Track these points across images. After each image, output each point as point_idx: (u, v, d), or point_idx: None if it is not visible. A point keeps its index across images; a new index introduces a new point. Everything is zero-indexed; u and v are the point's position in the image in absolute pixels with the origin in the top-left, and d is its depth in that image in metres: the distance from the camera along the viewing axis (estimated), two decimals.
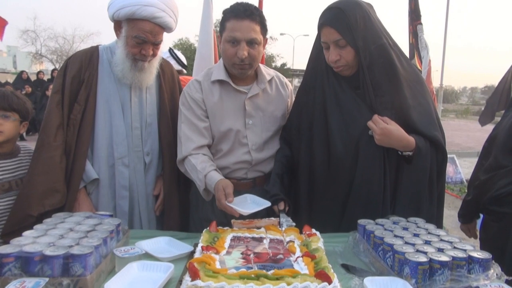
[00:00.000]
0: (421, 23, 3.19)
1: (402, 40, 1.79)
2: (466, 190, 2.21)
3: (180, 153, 1.85)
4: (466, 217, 2.12)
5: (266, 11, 1.91)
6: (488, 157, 1.93)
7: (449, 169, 6.65)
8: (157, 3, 1.78)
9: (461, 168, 6.90)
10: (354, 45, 1.61)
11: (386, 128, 1.61)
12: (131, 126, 1.94)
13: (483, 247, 1.93)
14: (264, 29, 1.83)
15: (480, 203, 1.91)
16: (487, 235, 1.95)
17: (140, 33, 1.80)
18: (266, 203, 1.63)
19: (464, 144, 11.65)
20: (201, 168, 1.74)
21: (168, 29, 1.90)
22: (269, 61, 28.01)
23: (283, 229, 1.57)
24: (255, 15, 1.77)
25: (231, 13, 1.78)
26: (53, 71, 13.83)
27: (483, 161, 2.01)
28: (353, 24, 1.60)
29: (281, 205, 1.70)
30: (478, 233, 2.08)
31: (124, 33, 1.83)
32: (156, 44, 1.87)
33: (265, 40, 1.90)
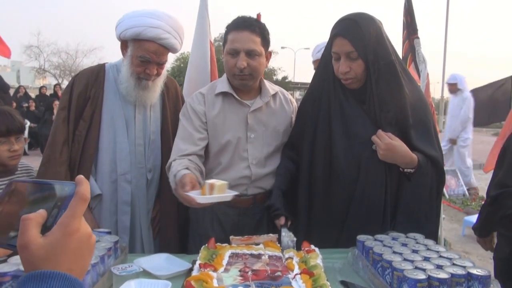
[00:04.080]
0: (418, 37, 3.21)
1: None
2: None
3: (169, 161, 1.83)
4: (482, 231, 2.02)
5: (266, 25, 1.93)
6: (501, 168, 1.88)
7: (451, 182, 6.60)
8: (163, 25, 1.82)
9: (463, 181, 6.86)
10: (365, 59, 1.63)
11: (390, 144, 1.62)
12: (134, 142, 1.96)
13: (497, 268, 1.88)
14: (265, 42, 1.84)
15: (494, 221, 1.86)
16: (500, 256, 1.89)
17: (145, 53, 1.83)
18: (232, 192, 1.55)
19: None
20: (175, 170, 1.69)
21: (173, 50, 1.93)
22: (270, 74, 28.18)
23: (284, 245, 1.56)
24: (254, 26, 1.80)
25: (231, 26, 1.84)
26: (55, 86, 13.96)
27: (497, 171, 1.94)
28: (366, 37, 1.61)
29: (282, 220, 1.69)
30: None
31: (130, 52, 1.87)
32: (160, 64, 1.91)
33: (269, 54, 1.92)
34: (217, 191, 1.49)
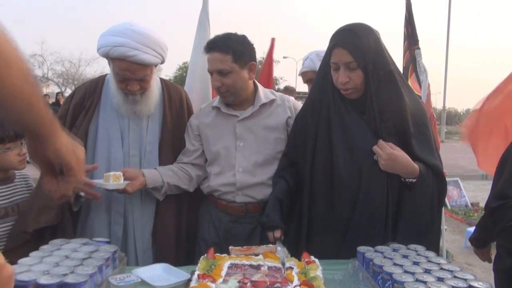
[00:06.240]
0: (419, 48, 3.23)
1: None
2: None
3: None
4: (480, 242, 2.02)
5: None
6: (500, 178, 1.85)
7: (453, 192, 6.57)
8: (127, 42, 1.73)
9: (465, 192, 6.82)
10: (364, 69, 1.63)
11: (392, 154, 1.61)
12: (128, 153, 1.94)
13: (498, 280, 1.87)
14: (237, 56, 1.83)
15: (493, 232, 1.84)
16: (500, 268, 1.87)
17: (119, 71, 1.80)
18: (119, 183, 1.72)
19: (468, 166, 11.52)
20: None
21: (152, 64, 1.83)
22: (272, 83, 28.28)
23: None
24: (218, 46, 1.83)
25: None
26: (57, 94, 14.03)
27: (496, 182, 1.91)
28: (365, 47, 1.61)
29: (278, 233, 1.67)
30: (492, 257, 2.00)
31: (111, 69, 1.87)
32: (141, 80, 1.83)
33: (252, 65, 1.91)
34: (103, 179, 1.74)
